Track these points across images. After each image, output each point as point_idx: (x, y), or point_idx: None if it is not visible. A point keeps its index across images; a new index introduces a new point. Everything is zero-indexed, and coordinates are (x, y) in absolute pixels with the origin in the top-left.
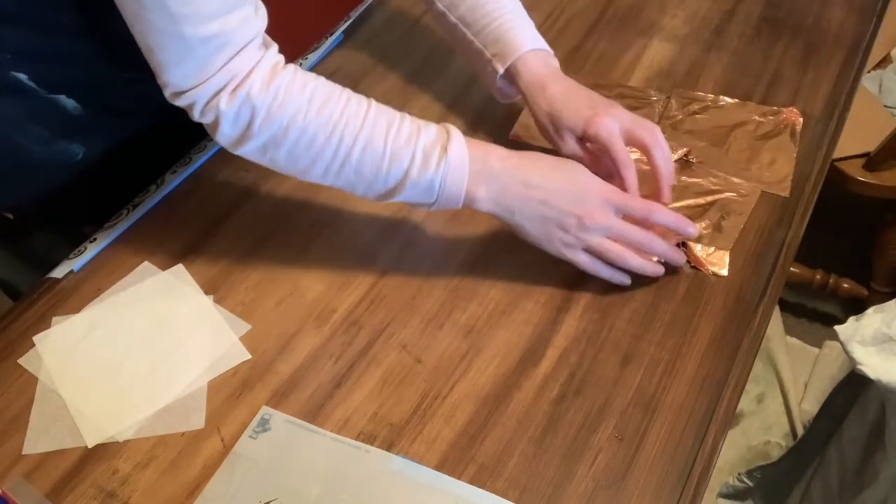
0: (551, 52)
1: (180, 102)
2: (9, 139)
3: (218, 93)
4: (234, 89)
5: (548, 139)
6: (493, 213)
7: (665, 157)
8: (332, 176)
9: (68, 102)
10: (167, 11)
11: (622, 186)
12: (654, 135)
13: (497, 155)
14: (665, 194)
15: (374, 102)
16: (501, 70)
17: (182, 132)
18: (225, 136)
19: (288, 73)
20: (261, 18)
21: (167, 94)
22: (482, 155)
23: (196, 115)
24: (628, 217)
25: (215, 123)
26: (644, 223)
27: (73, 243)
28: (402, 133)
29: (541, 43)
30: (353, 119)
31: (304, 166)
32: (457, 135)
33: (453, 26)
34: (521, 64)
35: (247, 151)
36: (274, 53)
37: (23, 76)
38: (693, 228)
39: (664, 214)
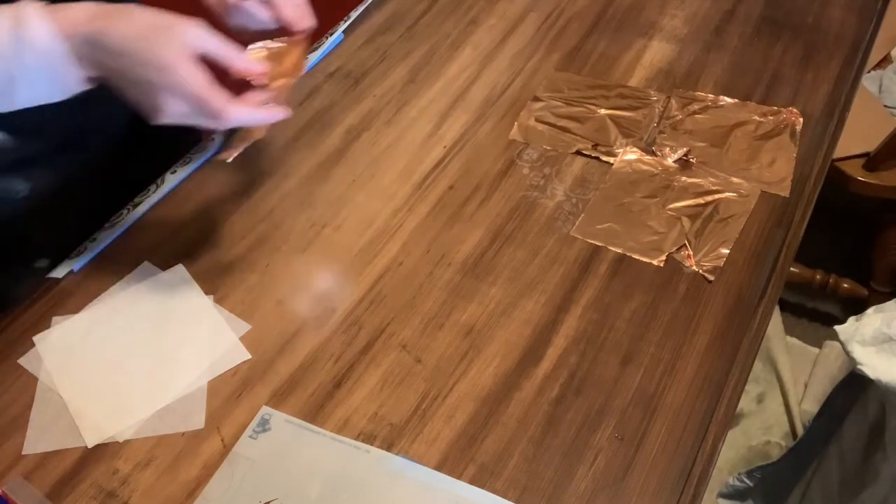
0: None
1: None
2: None
3: None
4: None
5: None
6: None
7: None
8: None
9: None
10: None
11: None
12: None
13: (85, 30)
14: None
15: None
16: None
17: (137, 161)
18: None
19: None
20: None
21: None
22: (70, 32)
23: None
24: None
25: None
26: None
27: (28, 280)
28: None
29: None
30: None
31: None
32: (33, 17)
33: None
34: None
35: None
36: None
37: None
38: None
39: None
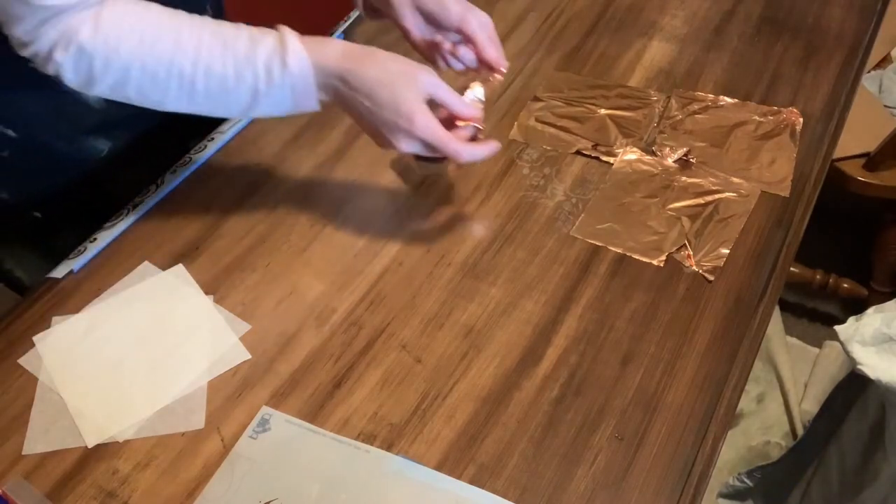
0: None
1: (25, 54)
2: (33, 137)
3: (53, 47)
4: (68, 43)
5: (400, 25)
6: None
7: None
8: (187, 104)
9: (90, 97)
10: None
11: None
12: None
13: (334, 66)
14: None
15: (209, 23)
16: None
17: (190, 123)
18: (71, 83)
19: (115, 14)
20: None
21: (14, 45)
22: (321, 65)
23: (40, 67)
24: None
25: (59, 74)
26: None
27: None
28: (239, 52)
29: None
30: (188, 48)
31: (156, 100)
32: (293, 44)
33: None
34: None
35: (99, 93)
36: None
37: None
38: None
39: (470, 152)
